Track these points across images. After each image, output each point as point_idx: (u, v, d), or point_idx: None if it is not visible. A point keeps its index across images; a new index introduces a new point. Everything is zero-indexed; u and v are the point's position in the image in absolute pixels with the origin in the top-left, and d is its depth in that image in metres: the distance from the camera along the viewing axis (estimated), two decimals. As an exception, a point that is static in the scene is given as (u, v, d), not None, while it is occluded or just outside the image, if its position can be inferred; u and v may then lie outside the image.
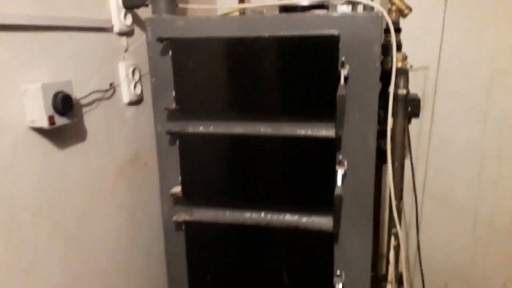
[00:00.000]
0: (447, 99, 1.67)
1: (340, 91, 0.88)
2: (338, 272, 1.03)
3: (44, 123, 0.81)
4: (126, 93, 1.13)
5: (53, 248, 0.90)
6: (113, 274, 1.10)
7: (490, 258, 1.80)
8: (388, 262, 1.06)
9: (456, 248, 1.83)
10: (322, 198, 0.98)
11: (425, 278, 1.82)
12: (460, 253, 1.83)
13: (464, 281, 1.84)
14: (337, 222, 0.98)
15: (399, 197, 1.02)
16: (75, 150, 0.96)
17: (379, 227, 1.37)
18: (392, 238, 1.04)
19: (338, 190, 0.93)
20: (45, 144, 0.87)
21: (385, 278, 1.09)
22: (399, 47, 1.09)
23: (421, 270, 1.73)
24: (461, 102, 1.67)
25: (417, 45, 1.59)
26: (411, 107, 1.23)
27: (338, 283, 1.02)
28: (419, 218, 1.78)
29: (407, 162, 1.69)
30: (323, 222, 1.01)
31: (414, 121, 1.69)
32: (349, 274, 1.04)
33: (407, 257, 1.87)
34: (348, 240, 1.02)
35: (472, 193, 1.75)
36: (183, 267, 1.11)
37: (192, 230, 1.07)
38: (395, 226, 1.03)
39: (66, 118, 0.86)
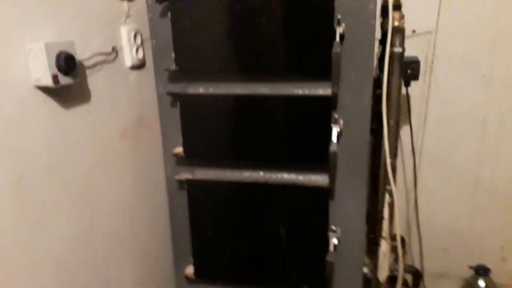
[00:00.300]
0: (449, 64, 1.67)
1: (336, 49, 0.90)
2: (333, 228, 1.07)
3: (49, 82, 0.85)
4: (129, 57, 1.16)
5: (61, 205, 0.95)
6: (119, 232, 1.16)
7: (489, 223, 1.83)
8: (382, 218, 1.09)
9: (456, 213, 1.86)
10: (318, 156, 1.01)
11: (425, 242, 1.87)
12: (459, 218, 1.86)
13: (463, 245, 1.88)
14: (332, 179, 1.01)
15: (394, 155, 1.05)
16: (80, 111, 1.00)
17: (378, 188, 1.40)
18: (387, 195, 1.07)
19: (333, 147, 0.96)
20: (51, 103, 0.91)
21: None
22: (398, 7, 1.09)
23: (419, 233, 1.78)
24: (463, 66, 1.67)
25: (420, 11, 1.58)
26: (410, 69, 1.25)
27: (333, 238, 1.06)
28: (419, 183, 1.81)
29: (407, 127, 1.72)
30: (319, 179, 1.05)
31: (416, 86, 1.70)
32: (344, 230, 1.08)
33: (406, 217, 1.90)
34: (343, 196, 1.06)
35: (473, 158, 1.77)
36: (186, 224, 1.16)
37: (194, 188, 1.12)
38: (389, 184, 1.06)
39: (69, 78, 0.89)
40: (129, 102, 1.18)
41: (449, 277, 1.92)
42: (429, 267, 1.94)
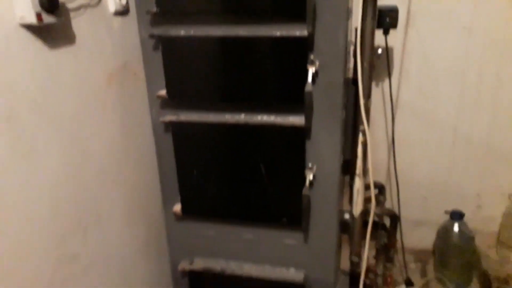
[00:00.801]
0: (430, 16, 1.70)
1: (309, -11, 0.93)
2: (309, 165, 1.14)
3: (33, 19, 0.88)
4: (112, 2, 1.18)
5: (50, 141, 1.00)
6: (109, 171, 1.23)
7: (467, 172, 1.92)
8: (356, 157, 1.16)
9: (435, 163, 1.94)
10: (295, 97, 1.06)
11: (405, 192, 1.96)
12: (438, 168, 1.95)
13: (441, 194, 1.98)
14: (308, 118, 1.07)
15: (368, 95, 1.10)
16: (65, 53, 1.03)
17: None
18: (360, 135, 1.13)
19: (308, 87, 1.02)
20: (36, 42, 0.94)
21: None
22: None
23: (397, 182, 1.86)
24: (444, 19, 1.70)
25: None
26: (388, 17, 1.28)
27: (309, 174, 1.13)
28: (400, 135, 1.88)
29: (387, 80, 1.76)
30: (296, 120, 1.11)
31: (396, 38, 1.74)
32: (320, 167, 1.15)
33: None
34: (319, 136, 1.12)
35: (452, 110, 1.83)
36: (172, 164, 1.23)
37: (178, 130, 1.17)
38: (362, 124, 1.12)
39: (53, 17, 0.92)
40: (114, 48, 1.22)
41: (427, 224, 2.02)
42: (409, 215, 2.04)
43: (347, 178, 1.40)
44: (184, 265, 1.36)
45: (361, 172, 1.17)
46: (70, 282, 1.10)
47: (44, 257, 1.01)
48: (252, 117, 1.14)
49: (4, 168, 0.88)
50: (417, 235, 2.09)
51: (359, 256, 1.27)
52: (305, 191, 1.11)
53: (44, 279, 1.01)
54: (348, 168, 1.28)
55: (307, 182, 1.12)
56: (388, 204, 1.93)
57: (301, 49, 1.03)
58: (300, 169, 1.14)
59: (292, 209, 1.17)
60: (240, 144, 1.17)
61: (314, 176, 1.14)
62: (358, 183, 1.19)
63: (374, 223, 1.84)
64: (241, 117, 1.14)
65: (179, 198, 1.29)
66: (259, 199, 1.20)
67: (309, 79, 1.02)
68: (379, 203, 1.77)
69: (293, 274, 1.29)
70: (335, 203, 1.18)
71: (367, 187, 1.26)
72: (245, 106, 1.14)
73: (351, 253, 1.33)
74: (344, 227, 1.52)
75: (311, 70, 1.02)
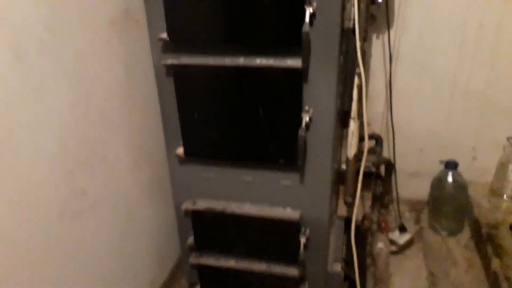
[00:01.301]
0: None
1: None
2: (306, 108, 1.19)
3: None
4: None
5: (57, 79, 1.05)
6: (114, 114, 1.28)
7: (463, 124, 1.97)
8: (351, 100, 1.20)
9: (432, 115, 1.98)
10: (293, 39, 1.08)
11: (402, 144, 2.01)
12: (435, 121, 1.99)
13: (437, 146, 2.03)
14: (305, 59, 1.10)
15: (363, 38, 1.12)
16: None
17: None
18: (356, 77, 1.16)
19: (306, 28, 1.04)
20: (40, -19, 0.97)
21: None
22: None
23: (393, 134, 1.91)
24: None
25: None
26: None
27: (306, 117, 1.18)
28: (399, 87, 1.91)
29: (386, 32, 1.77)
30: (294, 62, 1.14)
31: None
32: (316, 110, 1.19)
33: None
34: (316, 79, 1.15)
35: (452, 62, 1.85)
36: (174, 108, 1.28)
37: (179, 73, 1.21)
38: (358, 66, 1.15)
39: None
40: (115, -8, 1.24)
41: (423, 176, 2.09)
42: (405, 167, 2.11)
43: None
44: (187, 206, 1.43)
45: (356, 115, 1.22)
46: (79, 216, 1.18)
47: (54, 191, 1.08)
48: (251, 60, 1.17)
49: (14, 102, 0.93)
50: (413, 187, 2.16)
51: (353, 196, 1.34)
52: (301, 132, 1.16)
53: (55, 212, 1.09)
54: (347, 120, 1.32)
55: (303, 124, 1.17)
56: (384, 155, 1.98)
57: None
58: (297, 112, 1.18)
59: (289, 151, 1.22)
60: (239, 87, 1.21)
61: (310, 119, 1.19)
62: (353, 125, 1.23)
63: (370, 173, 1.91)
64: (240, 60, 1.17)
65: (181, 142, 1.34)
66: (257, 141, 1.25)
67: (307, 19, 1.04)
68: (376, 153, 1.83)
69: (289, 213, 1.37)
70: (330, 145, 1.23)
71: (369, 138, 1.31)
72: (244, 50, 1.16)
73: (345, 194, 1.40)
74: (342, 177, 1.58)
75: (308, 11, 1.04)
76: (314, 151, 1.25)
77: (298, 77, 1.15)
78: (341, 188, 1.81)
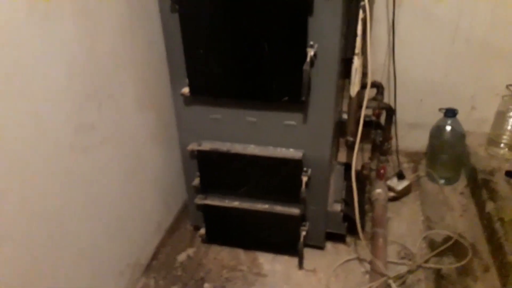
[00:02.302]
0: None
1: None
2: (311, 43, 1.20)
3: None
4: None
5: (64, 11, 1.04)
6: (119, 53, 1.29)
7: (462, 73, 1.98)
8: (356, 35, 1.21)
9: (434, 64, 1.99)
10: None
11: (402, 94, 2.02)
12: (435, 69, 2.00)
13: (437, 96, 2.05)
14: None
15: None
16: None
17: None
18: (360, 11, 1.17)
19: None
20: None
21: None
22: None
23: (395, 85, 1.92)
24: None
25: None
26: None
27: (311, 52, 1.19)
28: (401, 35, 1.90)
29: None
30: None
31: None
32: (321, 45, 1.20)
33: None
34: (321, 12, 1.16)
35: (455, 8, 1.84)
36: (179, 46, 1.28)
37: (184, 6, 1.22)
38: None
39: None
40: None
41: (422, 126, 2.12)
42: (405, 118, 2.13)
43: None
44: (193, 146, 1.46)
45: (360, 51, 1.23)
46: (89, 151, 1.20)
47: (66, 122, 1.10)
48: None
49: (24, 29, 0.93)
50: (412, 138, 2.20)
51: (355, 136, 1.37)
52: (306, 66, 1.18)
53: (66, 144, 1.11)
54: (349, 69, 1.32)
55: (308, 58, 1.18)
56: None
57: None
58: (302, 47, 1.19)
59: (294, 87, 1.24)
60: (245, 21, 1.21)
61: (315, 54, 1.20)
62: (356, 62, 1.25)
63: (370, 122, 1.94)
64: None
65: (186, 82, 1.35)
66: (262, 77, 1.27)
67: None
68: (377, 100, 1.85)
69: (292, 152, 1.41)
70: (334, 81, 1.25)
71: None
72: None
73: (347, 134, 1.43)
74: (342, 128, 1.60)
75: None
76: (317, 88, 1.27)
77: (304, 9, 1.15)
78: (341, 140, 1.85)
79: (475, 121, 2.06)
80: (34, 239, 1.03)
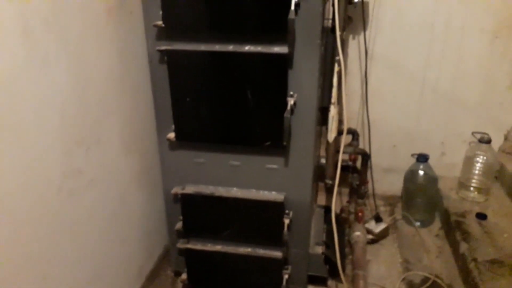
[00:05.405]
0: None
1: None
2: (291, 93, 1.29)
3: None
4: None
5: (60, 58, 1.10)
6: (108, 98, 1.34)
7: (432, 121, 2.11)
8: (332, 86, 1.31)
9: (404, 113, 2.12)
10: (280, 26, 1.19)
11: (376, 140, 2.13)
12: (407, 117, 2.13)
13: (409, 142, 2.17)
14: (291, 44, 1.21)
15: (343, 28, 1.24)
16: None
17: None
18: (336, 65, 1.28)
19: (291, 15, 1.15)
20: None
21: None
22: None
23: (369, 131, 2.03)
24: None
25: None
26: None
27: (291, 101, 1.28)
28: (374, 86, 2.04)
29: (362, 33, 1.91)
30: (280, 49, 1.24)
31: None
32: (300, 94, 1.29)
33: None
34: (300, 65, 1.26)
35: (422, 61, 2.00)
36: (166, 94, 1.35)
37: (172, 57, 1.29)
38: (338, 55, 1.26)
39: None
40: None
41: (396, 171, 2.21)
42: (380, 163, 2.23)
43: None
44: (176, 190, 1.49)
45: (336, 101, 1.32)
46: (76, 193, 1.22)
47: (54, 166, 1.12)
48: (240, 47, 1.26)
49: (21, 74, 0.98)
50: (388, 182, 2.29)
51: (333, 179, 1.43)
52: (286, 114, 1.26)
53: (54, 188, 1.13)
54: (326, 117, 1.42)
55: (289, 107, 1.27)
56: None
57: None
58: (283, 96, 1.28)
59: (275, 133, 1.32)
60: (229, 73, 1.30)
61: (294, 103, 1.29)
62: (333, 110, 1.34)
63: (347, 167, 2.02)
64: (230, 47, 1.27)
65: (172, 127, 1.41)
66: (246, 124, 1.34)
67: (292, 7, 1.15)
68: (353, 145, 1.94)
69: (274, 195, 1.45)
70: (313, 127, 1.33)
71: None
72: (234, 37, 1.26)
73: (325, 177, 1.50)
74: (321, 172, 1.68)
75: (293, 0, 1.15)
76: (297, 134, 1.35)
77: (284, 63, 1.25)
78: (320, 185, 1.92)
79: (446, 165, 2.18)
80: (21, 284, 1.02)
